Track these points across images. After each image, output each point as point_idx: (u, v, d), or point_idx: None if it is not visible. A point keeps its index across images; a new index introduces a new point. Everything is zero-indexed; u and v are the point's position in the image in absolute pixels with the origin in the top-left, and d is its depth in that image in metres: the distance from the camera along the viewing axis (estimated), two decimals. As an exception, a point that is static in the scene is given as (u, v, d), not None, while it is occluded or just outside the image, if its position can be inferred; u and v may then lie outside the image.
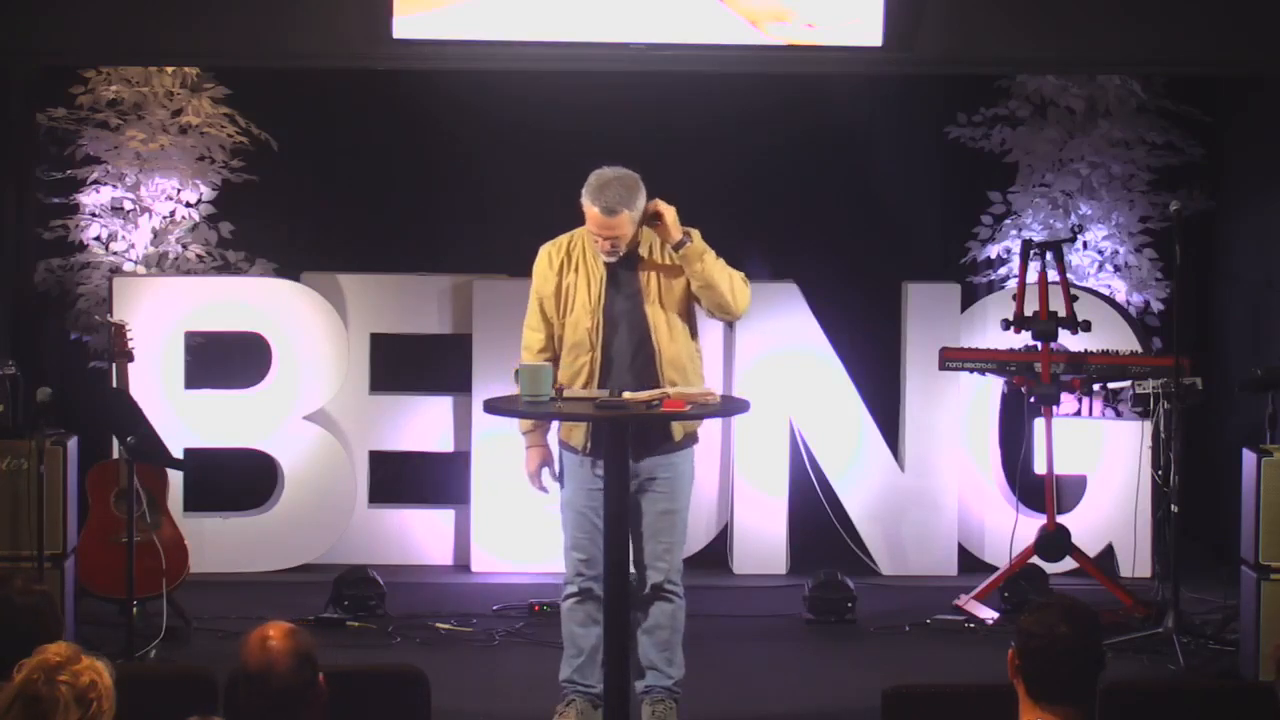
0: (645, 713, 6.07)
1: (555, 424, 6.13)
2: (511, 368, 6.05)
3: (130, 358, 7.38)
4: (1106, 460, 8.49)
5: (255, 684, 3.61)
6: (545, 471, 6.14)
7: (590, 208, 5.96)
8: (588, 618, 6.08)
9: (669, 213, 5.95)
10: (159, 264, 8.73)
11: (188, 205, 8.80)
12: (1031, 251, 7.79)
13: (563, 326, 6.05)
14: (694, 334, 6.11)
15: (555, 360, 6.05)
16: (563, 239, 6.11)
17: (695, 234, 6.01)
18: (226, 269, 8.79)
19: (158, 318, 8.30)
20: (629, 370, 5.98)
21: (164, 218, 8.78)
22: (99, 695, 3.40)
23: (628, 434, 5.73)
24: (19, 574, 5.38)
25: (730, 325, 7.88)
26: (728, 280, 6.00)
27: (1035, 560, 7.84)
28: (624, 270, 6.03)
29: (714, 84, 8.54)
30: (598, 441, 5.97)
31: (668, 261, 6.01)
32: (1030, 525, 7.98)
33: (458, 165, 8.86)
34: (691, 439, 6.12)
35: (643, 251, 6.04)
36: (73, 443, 7.01)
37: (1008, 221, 8.97)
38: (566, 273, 6.05)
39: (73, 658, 3.42)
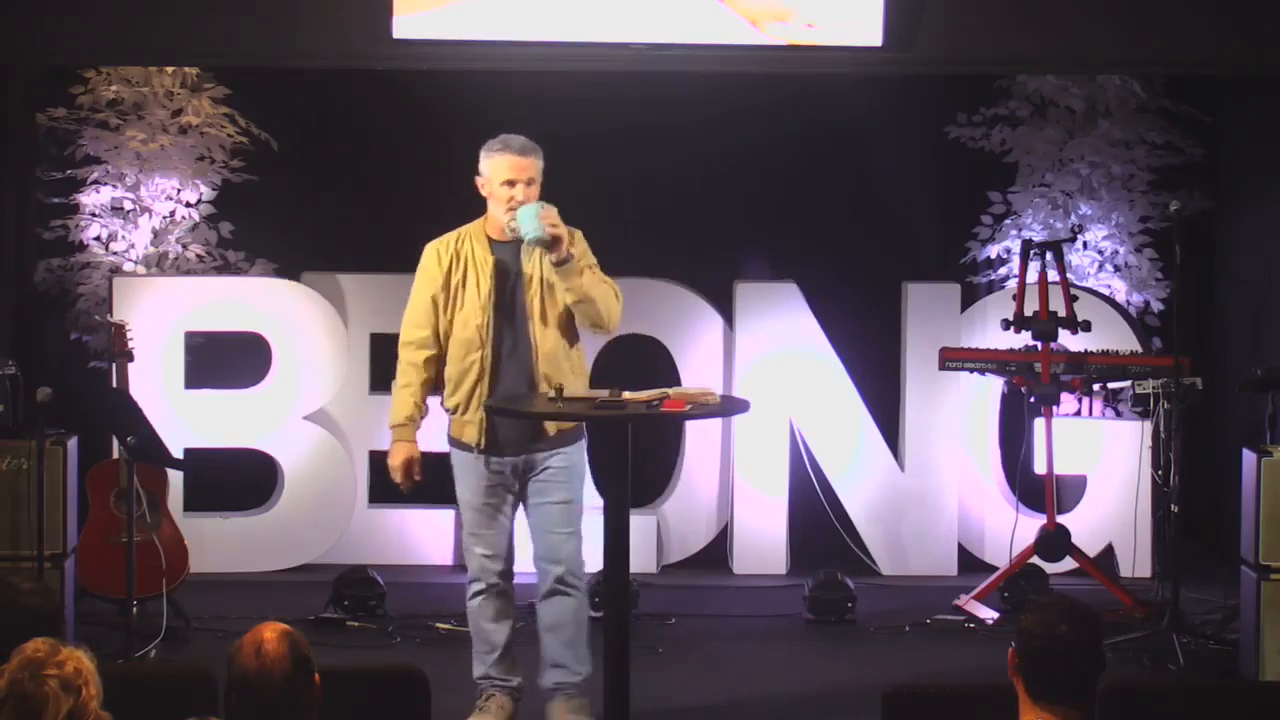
0: (557, 710, 6.11)
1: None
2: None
3: (130, 358, 7.39)
4: (1106, 460, 8.48)
5: (250, 689, 3.60)
6: (414, 470, 6.16)
7: (500, 156, 6.02)
8: (498, 613, 6.14)
9: (564, 235, 5.91)
10: (159, 264, 8.73)
11: (188, 205, 8.80)
12: (1031, 251, 7.80)
13: (450, 323, 6.08)
14: (574, 334, 6.10)
15: (440, 358, 6.09)
16: (449, 237, 6.16)
17: (579, 239, 6.02)
18: (226, 269, 8.79)
19: (158, 318, 8.31)
20: (511, 364, 6.01)
21: (164, 218, 8.78)
22: (85, 681, 3.41)
23: (628, 435, 5.73)
24: (24, 574, 5.39)
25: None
26: (603, 295, 6.00)
27: (1035, 560, 7.84)
28: (510, 267, 6.06)
29: (714, 84, 8.53)
30: (493, 439, 6.02)
31: (549, 261, 6.01)
32: (1030, 525, 7.98)
33: (457, 165, 8.82)
34: (578, 433, 6.11)
35: (526, 248, 6.04)
36: (73, 443, 7.02)
37: (1008, 221, 8.97)
38: (455, 269, 6.09)
39: (52, 650, 3.44)
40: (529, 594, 6.30)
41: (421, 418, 6.19)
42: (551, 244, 5.90)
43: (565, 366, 6.05)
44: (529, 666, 6.28)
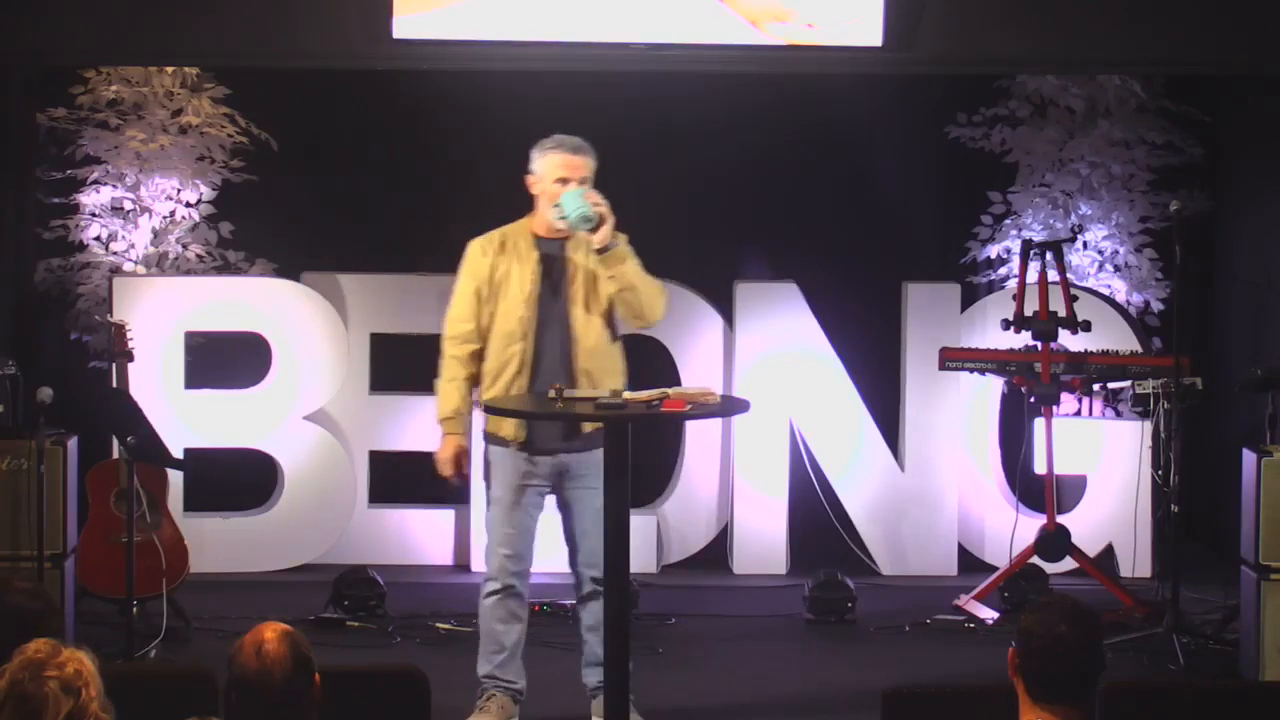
0: (602, 706, 6.09)
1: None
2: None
3: (130, 358, 7.39)
4: (1106, 460, 8.48)
5: (251, 689, 3.59)
6: (462, 463, 6.18)
7: (553, 154, 6.06)
8: (510, 615, 6.15)
9: (609, 216, 5.96)
10: (159, 264, 8.74)
11: (188, 205, 8.80)
12: (1031, 251, 7.79)
13: (491, 316, 6.10)
14: (614, 332, 6.15)
15: (481, 353, 6.11)
16: (494, 234, 6.19)
17: (622, 240, 6.06)
18: (226, 269, 8.79)
19: (158, 318, 8.31)
20: (553, 359, 6.04)
21: (164, 218, 8.78)
22: (85, 683, 3.41)
23: (628, 435, 5.73)
24: (18, 575, 5.39)
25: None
26: (646, 284, 6.06)
27: (1035, 560, 7.84)
28: (554, 262, 6.09)
29: (714, 84, 8.54)
30: (531, 434, 6.04)
31: (594, 260, 6.06)
32: (1030, 525, 7.98)
33: (458, 165, 8.86)
34: None
35: (572, 245, 6.09)
36: (73, 443, 7.01)
37: (1008, 221, 8.97)
38: (499, 263, 6.11)
39: (54, 652, 3.43)
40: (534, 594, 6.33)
41: (469, 412, 6.20)
42: (596, 226, 5.92)
43: (606, 364, 6.09)
44: (537, 668, 6.27)
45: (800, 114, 8.90)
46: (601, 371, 6.05)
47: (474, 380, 6.16)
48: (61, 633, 3.96)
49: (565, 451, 6.08)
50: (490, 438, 6.16)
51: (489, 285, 6.11)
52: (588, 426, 6.04)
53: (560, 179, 6.04)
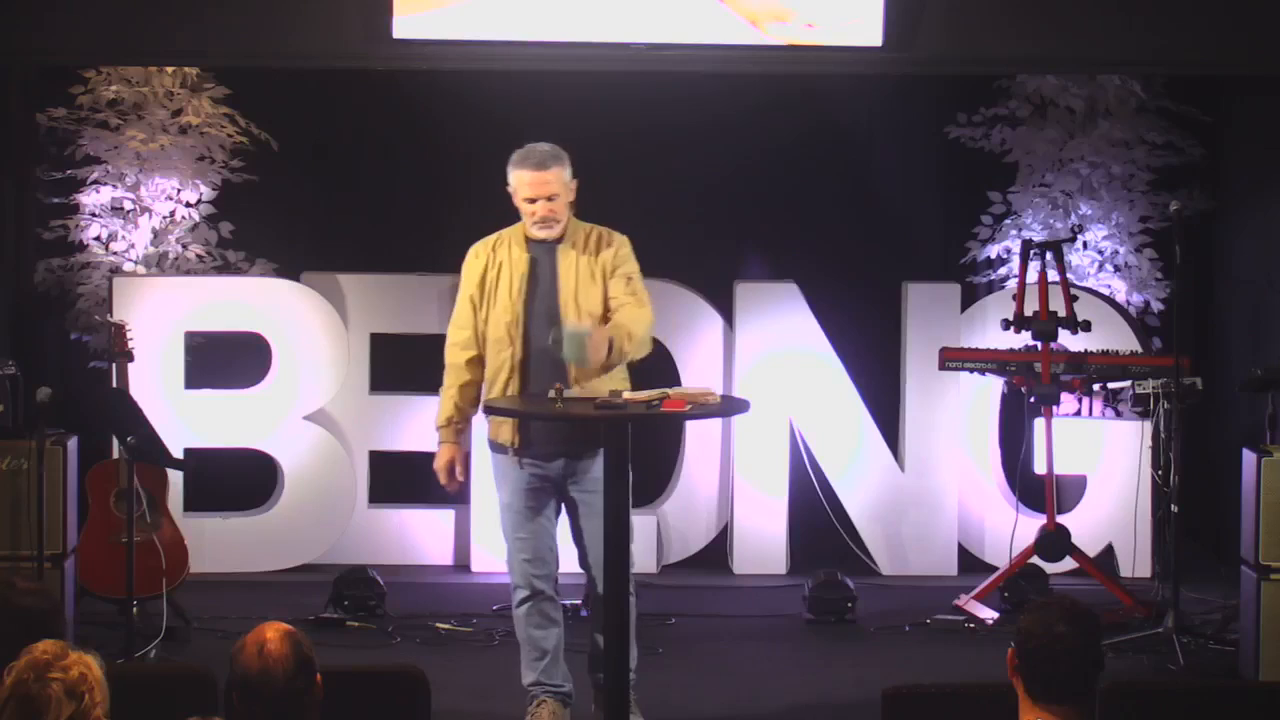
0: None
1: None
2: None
3: (130, 358, 7.39)
4: (1106, 460, 8.49)
5: (253, 689, 3.59)
6: (456, 470, 6.16)
7: (519, 171, 6.01)
8: (545, 619, 6.10)
9: (604, 358, 5.88)
10: (159, 264, 8.74)
11: (188, 205, 8.80)
12: (1031, 251, 7.80)
13: (485, 322, 6.08)
14: None
15: (482, 359, 6.10)
16: (490, 238, 6.17)
17: (623, 245, 6.05)
18: (226, 269, 8.79)
19: (158, 318, 8.31)
20: (547, 363, 5.97)
21: (164, 218, 8.78)
22: (89, 687, 3.41)
23: (628, 435, 5.73)
24: (23, 574, 5.39)
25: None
26: (634, 347, 5.97)
27: (1035, 560, 7.84)
28: (544, 265, 6.06)
29: (714, 84, 8.53)
30: (526, 439, 6.00)
31: (586, 261, 6.03)
32: (1030, 525, 7.98)
33: (458, 165, 8.86)
34: None
35: (563, 248, 6.06)
36: (73, 443, 7.02)
37: (1008, 221, 8.97)
38: (490, 268, 6.09)
39: (61, 654, 3.43)
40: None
41: (463, 419, 6.18)
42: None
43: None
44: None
45: (800, 114, 8.90)
46: (596, 375, 5.98)
47: (474, 386, 6.13)
48: (63, 633, 3.96)
49: (566, 456, 6.03)
50: (491, 445, 6.14)
51: (480, 290, 6.09)
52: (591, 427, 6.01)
53: (527, 198, 6.01)
